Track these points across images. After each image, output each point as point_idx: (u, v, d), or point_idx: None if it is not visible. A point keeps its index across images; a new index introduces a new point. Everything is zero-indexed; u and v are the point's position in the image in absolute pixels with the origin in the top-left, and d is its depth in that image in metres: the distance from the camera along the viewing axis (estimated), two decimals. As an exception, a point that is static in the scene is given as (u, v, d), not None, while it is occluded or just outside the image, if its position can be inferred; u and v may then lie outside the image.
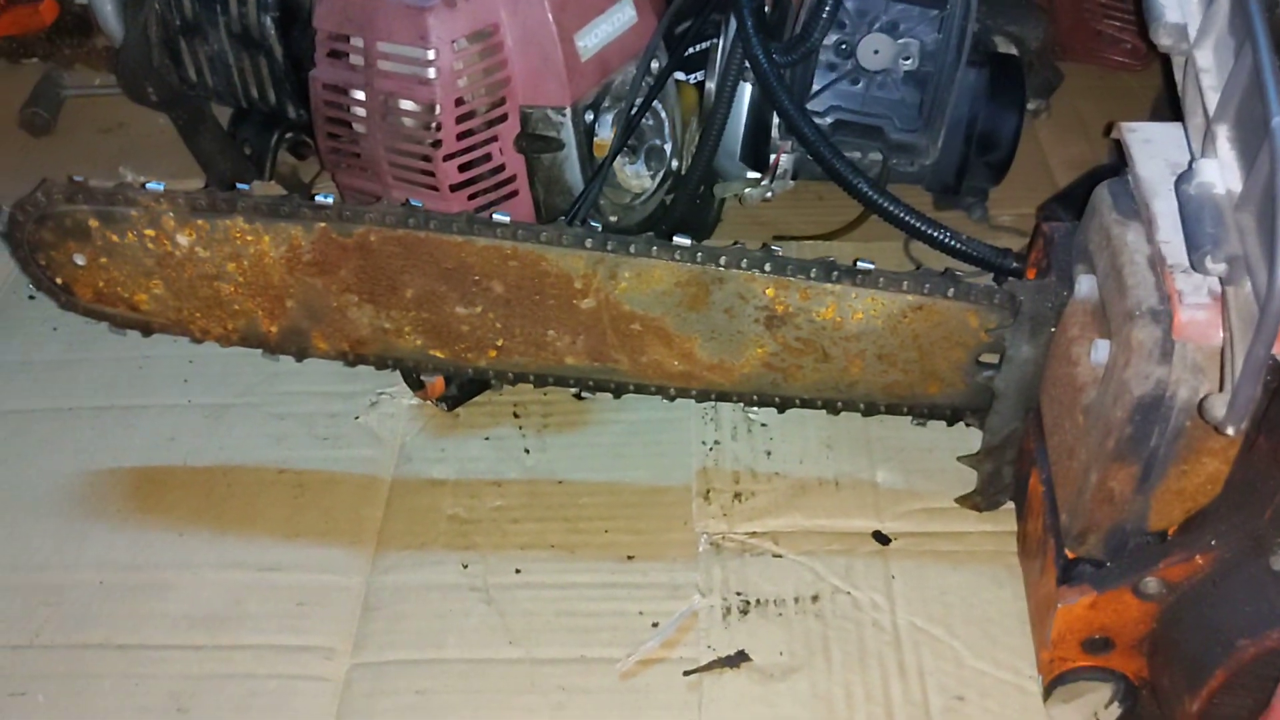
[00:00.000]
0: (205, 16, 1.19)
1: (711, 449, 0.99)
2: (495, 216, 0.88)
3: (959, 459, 0.92)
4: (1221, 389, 0.57)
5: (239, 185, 0.91)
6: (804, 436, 0.99)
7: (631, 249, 0.87)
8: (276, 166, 1.32)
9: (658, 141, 1.11)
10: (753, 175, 1.14)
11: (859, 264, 0.86)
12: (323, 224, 0.90)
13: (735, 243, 0.87)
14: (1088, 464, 0.70)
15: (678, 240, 0.87)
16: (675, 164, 1.14)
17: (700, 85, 1.17)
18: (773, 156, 1.12)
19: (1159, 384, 0.64)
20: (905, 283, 0.85)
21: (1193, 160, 0.59)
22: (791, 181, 1.17)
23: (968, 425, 0.91)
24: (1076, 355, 0.75)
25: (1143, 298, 0.66)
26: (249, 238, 0.91)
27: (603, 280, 0.88)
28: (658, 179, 1.12)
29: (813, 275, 0.86)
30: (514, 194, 1.05)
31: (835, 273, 0.86)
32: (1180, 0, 0.63)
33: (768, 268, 0.86)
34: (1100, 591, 0.71)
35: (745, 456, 0.98)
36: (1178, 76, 0.66)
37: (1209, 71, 0.61)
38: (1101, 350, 0.70)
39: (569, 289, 0.89)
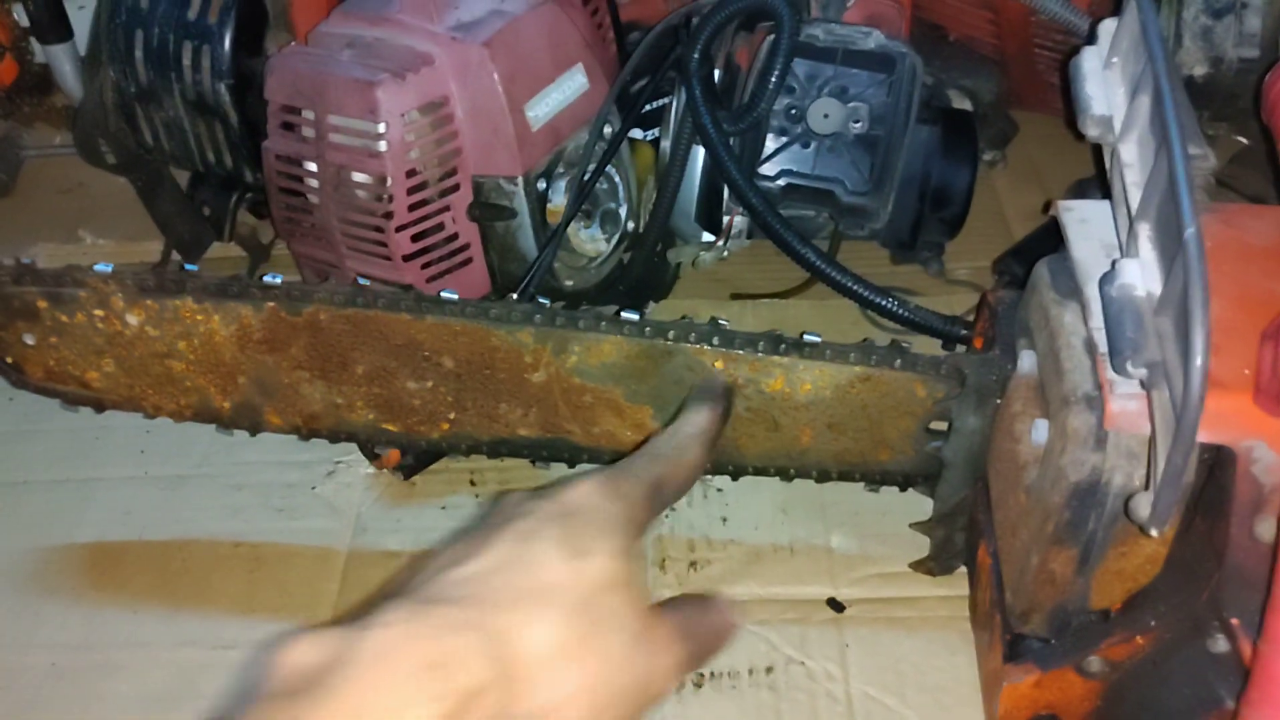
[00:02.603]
0: (160, 83, 1.19)
1: (668, 515, 0.99)
2: (443, 294, 0.88)
3: (911, 526, 0.92)
4: (1148, 487, 0.57)
5: (187, 266, 0.91)
6: (759, 502, 0.99)
7: (579, 324, 0.87)
8: (236, 227, 1.32)
9: (612, 205, 1.12)
10: (707, 238, 1.14)
11: (805, 337, 0.86)
12: (271, 303, 0.90)
13: (683, 317, 0.88)
14: (1029, 545, 0.70)
15: (625, 315, 0.87)
16: (631, 225, 1.14)
17: (656, 143, 1.18)
18: (726, 218, 1.12)
19: (1094, 470, 0.64)
20: (852, 354, 0.86)
21: (1116, 260, 0.59)
22: (747, 240, 1.18)
23: (919, 492, 0.92)
24: (1019, 432, 0.75)
25: (1078, 383, 0.66)
26: (199, 317, 0.91)
27: (552, 354, 0.88)
28: (613, 241, 1.13)
29: (760, 348, 0.86)
30: (468, 262, 1.06)
31: (782, 345, 0.86)
32: (1106, 93, 0.64)
33: (715, 341, 0.86)
34: (1044, 670, 0.71)
35: (701, 523, 0.99)
36: (1107, 164, 0.66)
37: (1132, 167, 0.61)
38: (1041, 431, 0.71)
39: (519, 363, 0.89)
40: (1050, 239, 1.20)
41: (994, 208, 1.30)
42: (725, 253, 1.14)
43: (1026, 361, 0.77)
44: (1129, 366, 0.54)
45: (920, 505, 0.93)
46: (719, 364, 0.87)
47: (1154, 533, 0.55)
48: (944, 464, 0.87)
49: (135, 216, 1.33)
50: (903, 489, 0.93)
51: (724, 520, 0.99)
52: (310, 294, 0.89)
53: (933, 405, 0.85)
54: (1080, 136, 0.68)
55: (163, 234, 1.32)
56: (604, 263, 1.13)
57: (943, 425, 0.87)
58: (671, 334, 0.86)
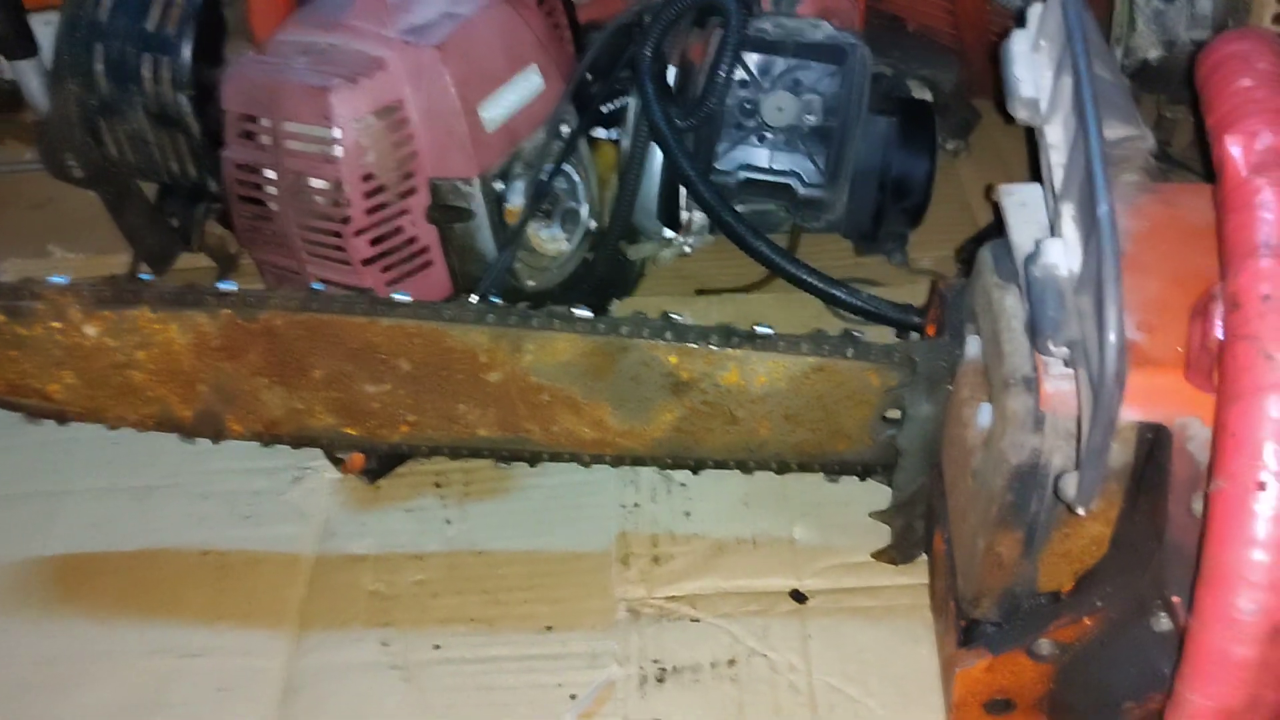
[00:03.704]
0: (121, 95, 1.19)
1: (631, 511, 1.00)
2: (396, 296, 0.88)
3: (871, 515, 0.92)
4: (1078, 466, 0.58)
5: (142, 276, 0.91)
6: (722, 495, 0.99)
7: (533, 323, 0.87)
8: (204, 237, 1.32)
9: (573, 204, 1.12)
10: (667, 235, 1.14)
11: (758, 329, 0.86)
12: (227, 310, 0.90)
13: (636, 313, 0.88)
14: (976, 529, 0.70)
15: (578, 312, 0.87)
16: (594, 224, 1.15)
17: (618, 143, 1.18)
18: (686, 214, 1.12)
19: (1033, 452, 0.64)
20: (804, 345, 0.86)
21: (1041, 239, 0.59)
22: (711, 236, 1.18)
23: (878, 481, 0.92)
24: (967, 417, 0.75)
25: (1018, 365, 0.66)
26: (156, 326, 0.91)
27: (507, 354, 0.89)
28: (575, 241, 1.13)
29: (713, 341, 0.86)
30: (428, 265, 1.06)
31: (735, 338, 0.86)
32: (1034, 75, 0.64)
33: (668, 335, 0.86)
34: (996, 654, 0.71)
35: (664, 518, 0.99)
36: (1038, 145, 0.67)
37: (1057, 148, 0.62)
38: (985, 415, 0.71)
39: (475, 363, 0.89)
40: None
41: (958, 196, 1.31)
42: (687, 248, 1.15)
43: (973, 346, 0.77)
44: (1050, 345, 0.55)
45: (881, 494, 0.94)
46: (673, 359, 0.87)
47: (1081, 511, 0.55)
48: (900, 452, 0.87)
49: (105, 230, 1.33)
50: (862, 478, 0.93)
51: (687, 514, 0.99)
52: (265, 300, 0.89)
53: (886, 393, 0.86)
54: (1012, 120, 0.68)
55: (131, 246, 1.32)
56: (567, 262, 1.14)
57: (898, 414, 0.87)
58: (625, 330, 0.87)
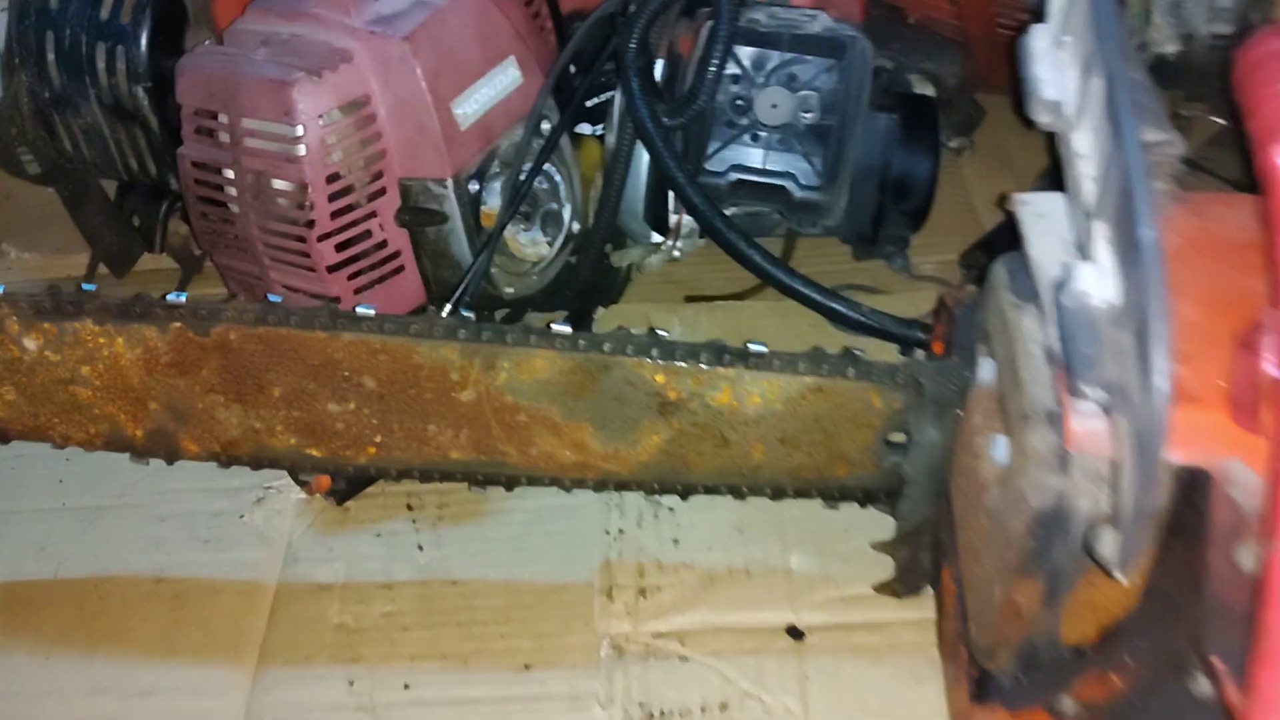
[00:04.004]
0: (74, 88, 1.12)
1: (616, 538, 0.93)
2: (359, 309, 0.81)
3: (873, 545, 0.86)
4: (1113, 521, 0.51)
5: (84, 286, 0.85)
6: (713, 521, 0.93)
7: (508, 338, 0.81)
8: (167, 238, 1.25)
9: (554, 205, 1.05)
10: (655, 239, 1.08)
11: (751, 346, 0.80)
12: (177, 324, 0.83)
13: (618, 327, 0.81)
14: (992, 575, 0.64)
15: (556, 328, 0.81)
16: (577, 226, 1.08)
17: (603, 139, 1.12)
18: (674, 217, 1.06)
19: (1058, 496, 0.58)
20: (801, 364, 0.79)
21: (1072, 263, 0.53)
22: (701, 239, 1.12)
23: (880, 510, 0.85)
24: (979, 447, 0.69)
25: (1038, 397, 0.60)
26: (101, 340, 0.84)
27: (480, 371, 0.82)
28: (557, 244, 1.06)
29: (703, 360, 0.80)
30: (399, 271, 0.99)
31: (726, 356, 0.80)
32: (1057, 75, 0.58)
33: (655, 353, 0.80)
34: (1013, 710, 0.65)
35: (651, 546, 0.92)
36: (1061, 154, 0.60)
37: (1087, 158, 0.55)
38: (1001, 448, 0.64)
39: (446, 381, 0.83)
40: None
41: (961, 198, 1.24)
42: (676, 253, 1.08)
43: (986, 370, 0.70)
44: (1084, 387, 0.48)
45: (884, 522, 0.87)
46: (660, 378, 0.81)
47: (1121, 577, 0.49)
48: (904, 479, 0.81)
49: (63, 228, 1.26)
50: (863, 505, 0.87)
51: (675, 542, 0.92)
52: (218, 313, 0.82)
53: (890, 416, 0.79)
54: (1031, 124, 0.61)
55: (90, 245, 1.26)
56: (548, 267, 1.07)
57: (902, 438, 0.81)
58: (607, 346, 0.80)
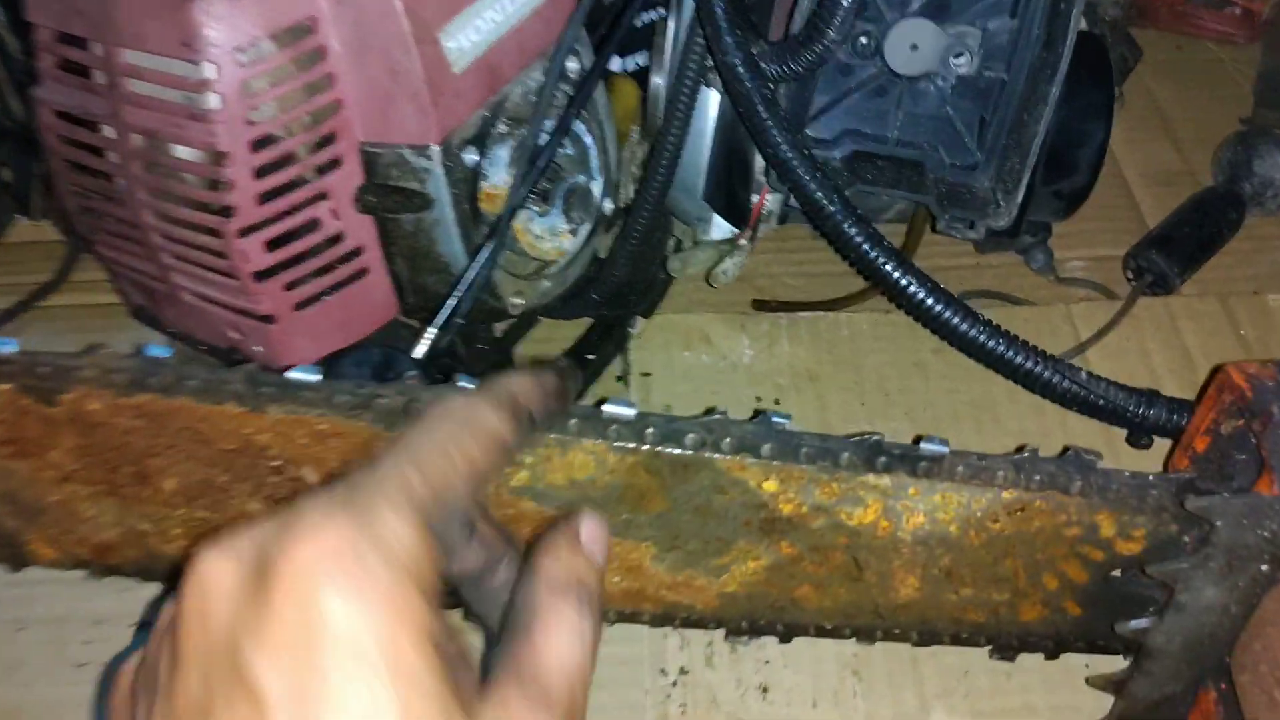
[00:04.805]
0: (-96, -5, 0.80)
1: (676, 682, 0.64)
2: (293, 373, 0.51)
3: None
4: None
5: None
6: (819, 659, 0.64)
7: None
8: (49, 199, 0.94)
9: (581, 178, 0.74)
10: (723, 229, 0.77)
11: (923, 445, 0.51)
12: (7, 385, 0.53)
13: (709, 411, 0.52)
14: None
15: (611, 409, 0.51)
16: (609, 206, 0.78)
17: (641, 76, 0.80)
18: (755, 198, 0.75)
19: None
20: (1001, 472, 0.50)
21: None
22: (776, 225, 0.82)
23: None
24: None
25: None
26: (-109, 401, 0.54)
27: (488, 468, 0.52)
28: (583, 234, 0.75)
29: (844, 464, 0.50)
30: (361, 275, 0.69)
31: (883, 459, 0.50)
32: None
33: (765, 451, 0.51)
34: None
35: (728, 694, 0.63)
36: None
37: None
38: None
39: (433, 479, 0.53)
40: (1209, 220, 0.85)
41: (1110, 168, 0.93)
42: (749, 252, 0.78)
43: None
44: None
45: (1072, 670, 0.59)
46: (768, 485, 0.52)
47: None
48: (1149, 651, 0.52)
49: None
50: (1052, 657, 0.59)
51: (764, 690, 0.64)
52: (68, 372, 0.52)
53: (1135, 557, 0.51)
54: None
55: (-54, 209, 0.94)
56: (571, 264, 0.77)
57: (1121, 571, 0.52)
58: (689, 439, 0.51)
